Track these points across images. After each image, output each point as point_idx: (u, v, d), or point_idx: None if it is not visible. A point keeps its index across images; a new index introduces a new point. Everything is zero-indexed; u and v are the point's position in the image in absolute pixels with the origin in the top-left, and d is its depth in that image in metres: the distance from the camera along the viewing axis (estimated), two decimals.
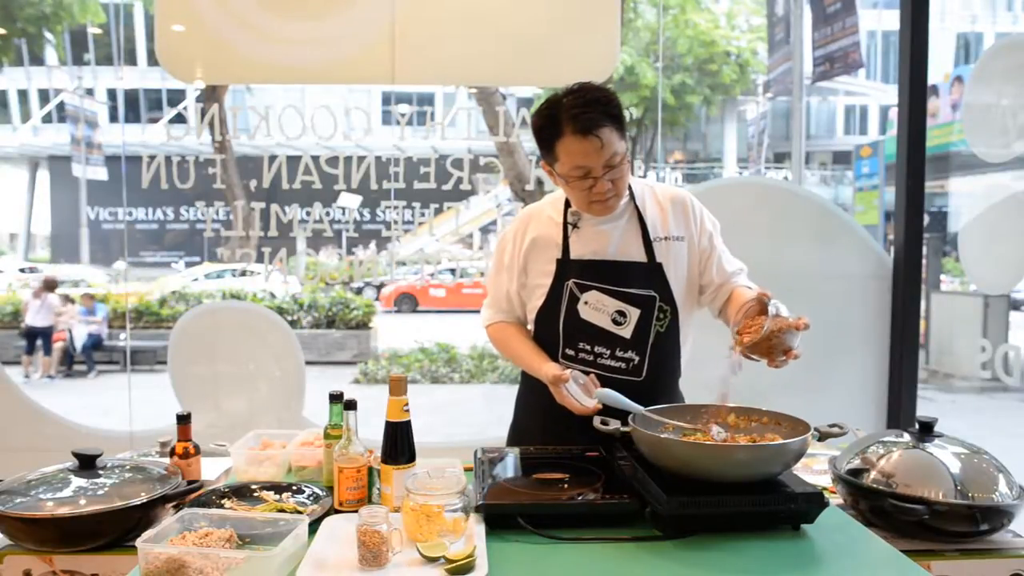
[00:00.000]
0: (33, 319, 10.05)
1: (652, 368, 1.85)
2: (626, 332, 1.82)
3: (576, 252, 1.85)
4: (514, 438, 2.03)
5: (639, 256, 1.84)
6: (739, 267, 1.94)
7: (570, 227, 1.87)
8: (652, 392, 1.80)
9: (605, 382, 1.78)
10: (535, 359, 1.87)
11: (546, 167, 1.84)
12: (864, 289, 3.35)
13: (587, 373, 1.80)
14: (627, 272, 1.83)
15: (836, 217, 3.44)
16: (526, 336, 1.95)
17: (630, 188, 1.88)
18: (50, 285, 10.43)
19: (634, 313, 1.82)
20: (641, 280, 1.83)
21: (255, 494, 1.68)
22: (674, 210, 1.89)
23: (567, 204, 1.88)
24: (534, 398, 1.94)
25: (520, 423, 2.04)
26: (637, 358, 1.84)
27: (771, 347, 1.56)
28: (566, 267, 1.86)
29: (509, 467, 1.73)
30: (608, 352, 1.84)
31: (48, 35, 15.81)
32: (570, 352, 1.86)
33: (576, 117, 1.69)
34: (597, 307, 1.83)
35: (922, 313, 3.46)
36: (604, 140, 1.69)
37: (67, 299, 10.83)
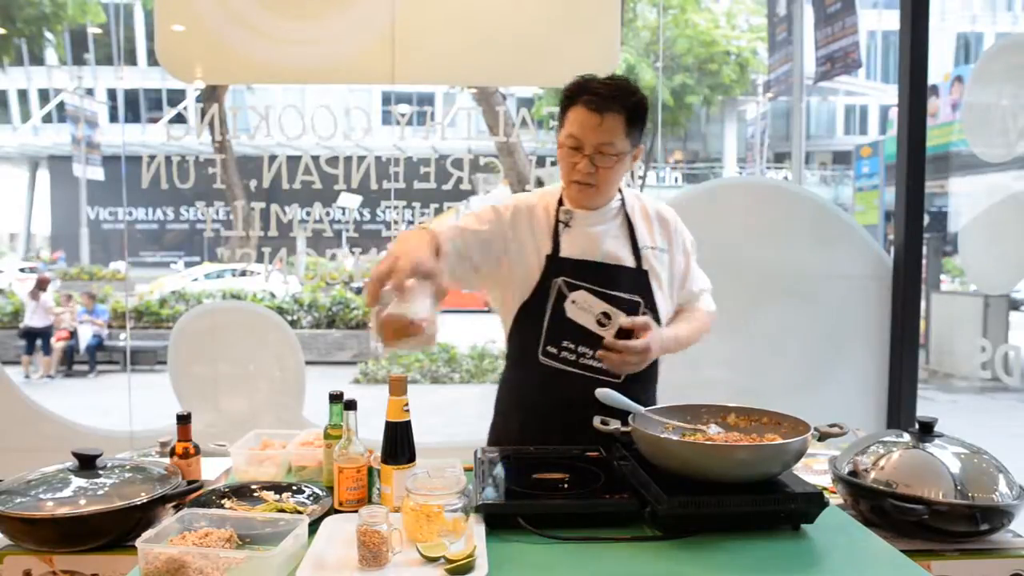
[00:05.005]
0: (32, 319, 10.06)
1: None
2: (609, 334, 1.82)
3: (566, 251, 1.86)
4: (493, 437, 1.99)
5: (628, 260, 1.87)
6: (703, 288, 2.03)
7: (561, 225, 1.88)
8: (630, 393, 1.74)
9: (585, 382, 1.79)
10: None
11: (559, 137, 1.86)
12: (864, 289, 3.34)
13: (568, 372, 1.82)
14: (616, 275, 1.85)
15: (836, 217, 3.44)
16: (429, 241, 1.66)
17: (623, 197, 1.91)
18: (42, 284, 10.43)
19: (619, 316, 1.83)
20: (628, 284, 1.86)
21: (255, 494, 1.68)
22: (660, 224, 1.95)
23: (560, 203, 1.90)
24: (514, 396, 1.95)
25: (499, 421, 2.00)
26: None
27: None
28: (555, 264, 1.86)
29: (509, 467, 1.73)
30: (591, 352, 1.84)
31: (48, 35, 15.81)
32: (552, 350, 1.85)
33: (595, 92, 1.75)
34: (584, 307, 1.84)
35: (922, 313, 3.46)
36: (607, 123, 1.74)
37: (68, 299, 10.84)
